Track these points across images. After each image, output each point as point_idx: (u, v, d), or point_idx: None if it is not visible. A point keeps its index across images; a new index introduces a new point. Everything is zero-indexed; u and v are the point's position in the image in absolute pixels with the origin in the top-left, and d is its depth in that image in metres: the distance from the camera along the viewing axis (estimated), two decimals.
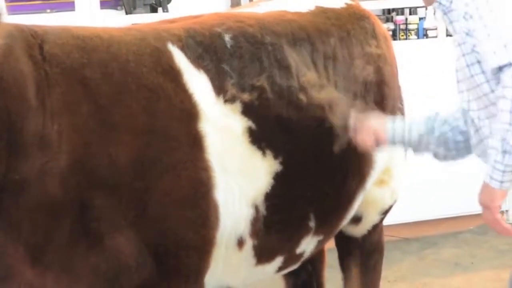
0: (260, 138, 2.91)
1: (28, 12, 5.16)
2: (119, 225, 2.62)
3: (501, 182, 2.70)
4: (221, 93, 2.86)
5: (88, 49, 2.66)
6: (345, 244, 3.66)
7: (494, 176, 2.70)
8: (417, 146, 2.97)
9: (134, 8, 5.57)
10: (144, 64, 2.73)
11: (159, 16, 5.42)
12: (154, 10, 5.65)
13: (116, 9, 5.62)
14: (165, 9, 5.62)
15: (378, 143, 2.97)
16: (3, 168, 2.48)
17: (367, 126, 2.97)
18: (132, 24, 5.02)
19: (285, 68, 3.02)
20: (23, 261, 2.53)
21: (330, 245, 3.68)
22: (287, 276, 3.82)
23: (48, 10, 5.32)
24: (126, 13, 5.59)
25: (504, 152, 2.64)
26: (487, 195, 2.77)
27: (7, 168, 2.48)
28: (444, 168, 5.89)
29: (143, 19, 5.24)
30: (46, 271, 2.56)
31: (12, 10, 5.13)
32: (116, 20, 5.39)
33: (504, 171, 2.69)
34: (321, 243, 3.30)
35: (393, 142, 2.98)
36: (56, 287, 2.58)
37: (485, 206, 2.79)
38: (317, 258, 3.75)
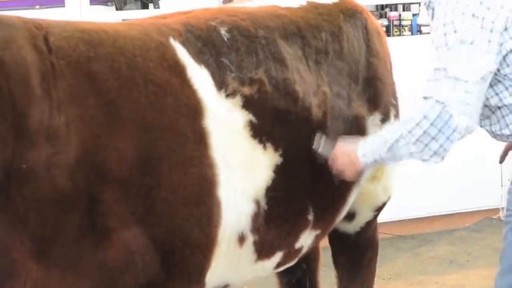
0: (260, 131, 2.91)
1: (17, 8, 5.14)
2: (127, 221, 2.59)
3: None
4: (222, 87, 2.86)
5: (94, 43, 2.64)
6: (339, 242, 3.65)
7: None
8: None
9: (125, 4, 5.54)
10: (150, 59, 2.72)
11: (150, 12, 5.39)
12: (145, 6, 5.62)
13: (107, 5, 5.59)
14: (156, 5, 5.58)
15: (354, 171, 3.02)
16: (10, 153, 2.44)
17: (341, 153, 3.01)
18: (122, 20, 5.01)
19: (280, 61, 3.02)
20: (29, 256, 2.49)
21: (324, 243, 3.65)
22: (281, 275, 3.79)
23: (37, 6, 5.29)
24: (117, 9, 5.56)
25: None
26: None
27: (13, 154, 2.45)
28: (439, 165, 5.89)
29: (134, 15, 5.23)
30: (51, 266, 2.52)
31: (0, 7, 5.10)
32: (107, 16, 5.36)
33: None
34: (318, 238, 3.29)
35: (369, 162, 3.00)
36: (60, 284, 2.55)
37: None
38: (311, 256, 3.73)
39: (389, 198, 3.59)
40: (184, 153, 2.70)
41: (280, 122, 2.97)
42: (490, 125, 2.98)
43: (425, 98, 2.83)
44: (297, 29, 3.13)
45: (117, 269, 2.59)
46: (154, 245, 2.64)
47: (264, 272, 3.18)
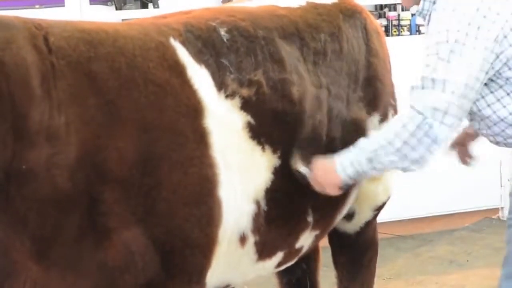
0: (259, 133, 2.91)
1: (16, 8, 5.11)
2: (128, 221, 2.59)
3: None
4: (222, 88, 2.85)
5: (94, 42, 2.64)
6: (339, 242, 3.64)
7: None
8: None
9: (125, 4, 5.52)
10: (150, 59, 2.72)
11: (150, 11, 5.37)
12: (144, 5, 5.60)
13: (106, 4, 5.57)
14: (156, 5, 5.56)
15: (334, 185, 2.96)
16: (10, 153, 2.43)
17: (317, 170, 2.96)
18: (122, 20, 5.01)
19: (278, 62, 3.01)
20: (29, 256, 2.48)
21: (324, 243, 3.64)
22: (281, 274, 3.78)
23: (37, 6, 5.26)
24: (116, 9, 5.54)
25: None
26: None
27: (13, 154, 2.44)
28: (439, 165, 5.89)
29: (134, 14, 5.22)
30: (51, 266, 2.52)
31: (0, 6, 5.08)
32: (106, 16, 5.35)
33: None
34: (318, 238, 3.29)
35: (349, 176, 2.94)
36: (60, 284, 2.54)
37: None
38: (311, 256, 3.72)
39: (388, 197, 3.59)
40: (184, 153, 2.70)
41: (278, 124, 2.97)
42: (494, 135, 2.98)
43: (410, 106, 2.82)
44: (295, 30, 3.12)
45: (117, 269, 2.59)
46: (154, 245, 2.64)
47: (265, 271, 3.18)
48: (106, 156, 2.56)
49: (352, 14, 3.34)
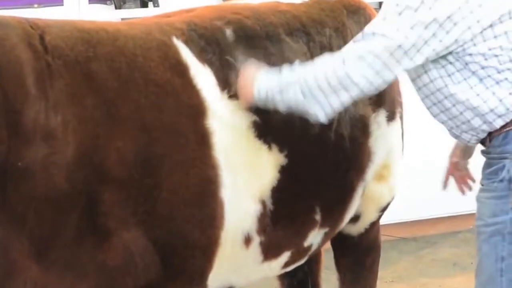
0: (265, 132, 2.90)
1: (15, 7, 5.11)
2: (128, 222, 2.59)
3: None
4: (226, 87, 2.84)
5: (93, 42, 2.63)
6: (341, 243, 3.62)
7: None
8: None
9: (124, 3, 5.49)
10: (151, 58, 2.72)
11: (150, 10, 5.35)
12: (144, 4, 5.58)
13: (105, 3, 5.55)
14: (156, 4, 5.54)
15: (247, 98, 2.87)
16: (5, 148, 2.43)
17: (244, 76, 2.87)
18: (122, 19, 4.99)
19: (284, 59, 2.99)
20: (28, 256, 2.49)
21: (326, 245, 3.61)
22: (283, 276, 3.76)
23: (36, 5, 5.26)
24: (116, 8, 5.51)
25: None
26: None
27: (8, 149, 2.44)
28: (442, 166, 5.85)
29: (133, 13, 5.19)
30: (50, 267, 2.52)
31: None
32: (105, 15, 5.33)
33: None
34: (327, 236, 3.28)
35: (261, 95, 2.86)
36: (60, 284, 2.54)
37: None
38: (313, 258, 3.69)
39: (393, 198, 3.57)
40: (185, 154, 2.69)
41: (284, 122, 2.95)
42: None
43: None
44: (300, 25, 3.11)
45: (117, 270, 2.59)
46: (154, 246, 2.64)
47: (271, 272, 3.17)
48: (105, 156, 2.56)
49: (356, 10, 3.33)
